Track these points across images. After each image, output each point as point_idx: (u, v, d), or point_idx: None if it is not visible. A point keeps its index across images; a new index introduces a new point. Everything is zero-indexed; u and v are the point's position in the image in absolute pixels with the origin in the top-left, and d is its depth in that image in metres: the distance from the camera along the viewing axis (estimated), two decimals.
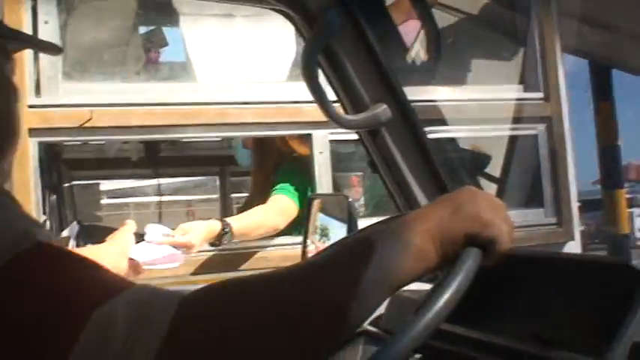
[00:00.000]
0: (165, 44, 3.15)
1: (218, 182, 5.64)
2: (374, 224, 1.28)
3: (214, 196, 6.99)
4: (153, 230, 2.36)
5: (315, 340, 0.77)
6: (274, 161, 3.04)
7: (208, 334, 0.72)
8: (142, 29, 3.11)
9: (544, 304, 1.08)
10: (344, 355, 1.20)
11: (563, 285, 1.07)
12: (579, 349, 0.96)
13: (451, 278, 0.83)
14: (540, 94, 3.39)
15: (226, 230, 2.58)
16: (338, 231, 1.65)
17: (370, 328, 1.39)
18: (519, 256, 1.24)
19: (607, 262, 1.06)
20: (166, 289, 0.76)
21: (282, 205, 2.75)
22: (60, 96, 2.59)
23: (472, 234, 0.87)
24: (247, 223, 2.70)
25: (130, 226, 1.94)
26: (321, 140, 2.82)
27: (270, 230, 2.73)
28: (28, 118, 2.50)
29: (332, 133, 2.82)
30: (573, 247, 3.34)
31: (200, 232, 2.49)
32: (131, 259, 1.90)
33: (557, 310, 1.05)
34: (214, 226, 2.56)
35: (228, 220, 2.63)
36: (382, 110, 1.48)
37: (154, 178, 4.87)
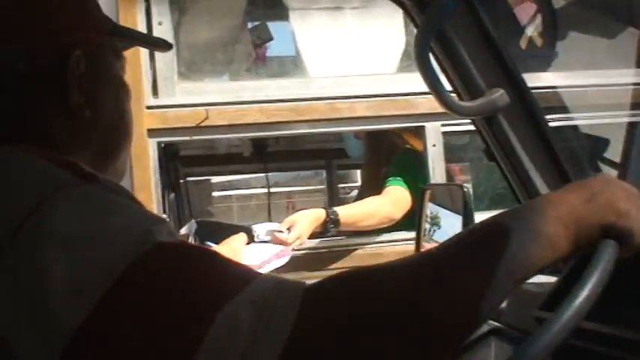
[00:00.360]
0: (271, 39, 3.16)
1: (325, 174, 5.66)
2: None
3: (317, 187, 7.02)
4: (261, 229, 2.39)
5: (440, 335, 0.74)
6: (387, 153, 3.00)
7: (337, 328, 0.70)
8: (250, 25, 3.14)
9: None
10: (476, 354, 1.16)
11: None
12: None
13: (590, 273, 0.79)
14: None
15: (332, 217, 2.57)
16: (450, 221, 1.61)
17: (495, 323, 1.35)
18: None
19: None
20: (291, 280, 0.74)
21: (397, 195, 2.72)
22: (176, 96, 2.65)
23: (607, 224, 0.81)
24: (356, 212, 2.69)
25: (241, 236, 1.94)
26: (434, 132, 2.77)
27: (385, 220, 2.71)
28: (146, 119, 2.58)
29: (444, 125, 2.77)
30: None
31: (305, 221, 2.50)
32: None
33: None
34: (319, 214, 2.56)
35: (335, 209, 2.62)
36: (499, 96, 1.44)
37: (262, 172, 4.93)
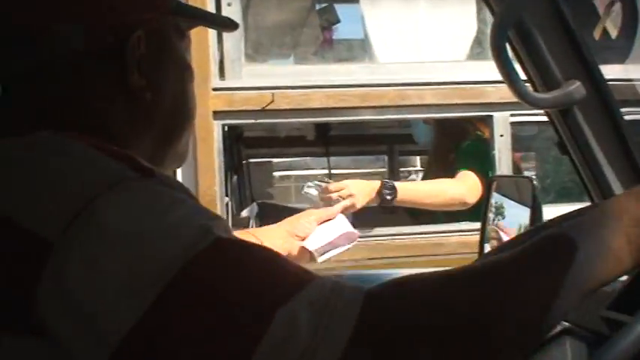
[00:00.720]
0: (338, 21, 3.15)
1: (386, 159, 5.64)
2: (561, 217, 1.19)
3: (378, 170, 7.00)
4: (310, 188, 2.37)
5: (502, 350, 0.72)
6: (456, 139, 2.94)
7: (398, 336, 0.69)
8: (318, 7, 3.13)
9: None
10: (552, 354, 1.13)
11: None
12: None
13: None
14: None
15: (388, 186, 2.54)
16: (515, 212, 1.58)
17: (566, 323, 1.32)
18: None
19: None
20: (349, 283, 0.73)
21: (471, 180, 2.67)
22: (243, 79, 2.66)
23: None
24: (418, 188, 2.65)
25: (309, 213, 1.88)
26: (503, 122, 2.73)
27: (456, 202, 2.66)
28: (212, 101, 2.59)
29: (513, 115, 2.72)
30: None
31: (361, 188, 2.48)
32: (303, 248, 1.85)
33: None
34: (374, 184, 2.54)
35: (394, 182, 2.60)
36: (576, 88, 1.40)
37: (324, 156, 4.93)
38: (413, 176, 6.82)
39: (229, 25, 1.08)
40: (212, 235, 0.70)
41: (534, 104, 1.41)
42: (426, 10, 2.93)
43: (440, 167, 2.93)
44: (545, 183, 3.54)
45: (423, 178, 3.29)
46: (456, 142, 2.92)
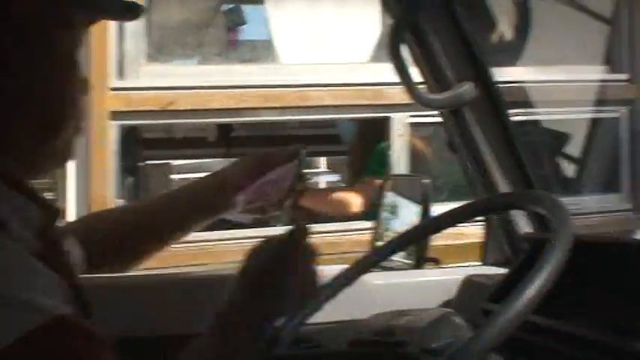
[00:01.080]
0: (244, 22, 3.15)
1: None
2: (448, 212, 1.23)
3: None
4: None
5: None
6: (373, 140, 2.98)
7: None
8: (224, 8, 3.12)
9: (626, 292, 1.04)
10: None
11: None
12: None
13: (540, 267, 0.80)
14: (625, 76, 3.28)
15: None
16: (408, 211, 1.67)
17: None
18: (596, 243, 1.20)
19: None
20: None
21: (370, 190, 2.72)
22: (142, 79, 2.62)
23: None
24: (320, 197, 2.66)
25: None
26: (400, 123, 2.79)
27: (354, 213, 2.71)
28: (110, 101, 2.55)
29: (412, 116, 2.79)
30: None
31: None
32: None
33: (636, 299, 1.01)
34: None
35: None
36: (466, 89, 1.46)
37: (226, 157, 4.90)
38: (321, 178, 6.85)
39: (131, 12, 0.95)
40: (50, 313, 0.67)
41: (427, 104, 1.47)
42: (331, 12, 2.97)
43: (355, 171, 2.96)
44: (439, 182, 3.63)
45: (347, 180, 3.30)
46: (373, 142, 2.97)
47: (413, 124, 2.85)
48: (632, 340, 0.98)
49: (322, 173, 6.92)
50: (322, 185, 5.98)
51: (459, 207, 1.14)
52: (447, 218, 1.13)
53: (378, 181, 2.69)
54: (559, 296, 1.00)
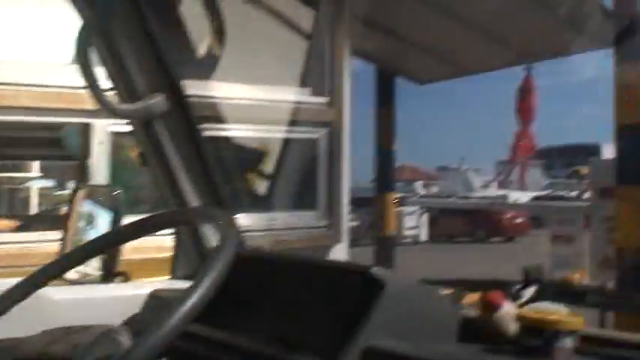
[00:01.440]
0: None
1: None
2: (134, 223, 1.21)
3: None
4: None
5: None
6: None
7: None
8: None
9: (293, 306, 1.09)
10: None
11: (311, 289, 1.10)
12: (318, 352, 0.98)
13: (198, 281, 0.81)
14: (324, 99, 3.47)
15: None
16: (105, 219, 1.64)
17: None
18: (276, 259, 1.25)
19: (352, 268, 1.09)
20: None
21: None
22: None
23: None
24: None
25: None
26: (102, 131, 2.72)
27: None
28: None
29: (114, 124, 2.72)
30: (340, 249, 3.45)
31: None
32: None
33: (303, 313, 1.06)
34: None
35: None
36: (157, 101, 1.44)
37: None
38: (33, 183, 6.49)
39: None
40: None
41: (114, 113, 1.43)
42: (33, 10, 2.80)
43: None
44: (144, 193, 3.59)
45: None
46: None
47: (118, 133, 2.78)
48: (291, 352, 1.02)
49: (34, 178, 6.58)
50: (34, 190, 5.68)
51: (138, 220, 1.12)
52: (129, 229, 1.11)
53: None
54: (227, 307, 1.02)
